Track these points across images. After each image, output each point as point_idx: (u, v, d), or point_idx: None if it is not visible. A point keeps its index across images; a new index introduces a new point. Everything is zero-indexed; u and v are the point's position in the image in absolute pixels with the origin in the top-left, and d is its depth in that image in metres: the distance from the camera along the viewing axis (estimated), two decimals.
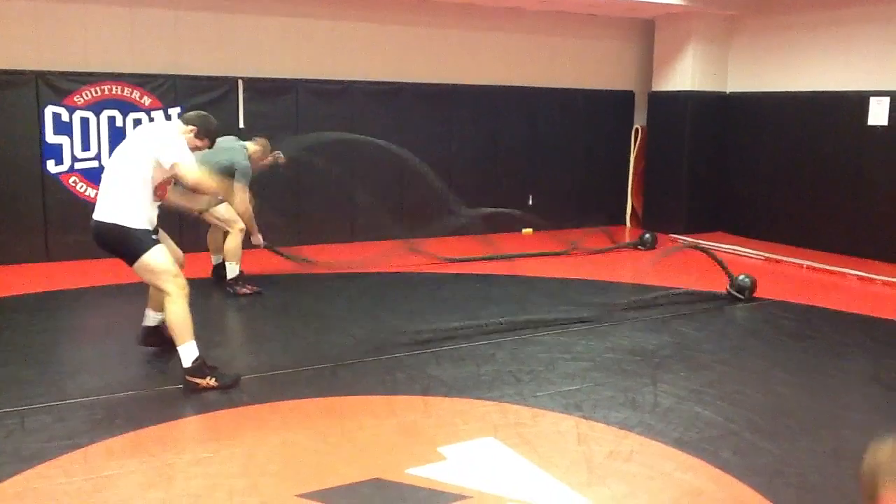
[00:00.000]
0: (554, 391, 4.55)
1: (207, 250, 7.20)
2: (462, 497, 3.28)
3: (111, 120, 8.10)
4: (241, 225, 6.72)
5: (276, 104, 8.85)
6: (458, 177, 9.51)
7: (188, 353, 4.39)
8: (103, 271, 6.90)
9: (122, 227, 4.31)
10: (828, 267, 8.31)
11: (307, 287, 7.22)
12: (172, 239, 4.96)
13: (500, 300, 6.79)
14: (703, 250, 7.39)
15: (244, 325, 6.29)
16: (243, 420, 4.08)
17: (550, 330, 5.80)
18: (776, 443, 3.91)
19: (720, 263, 7.10)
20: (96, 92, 8.00)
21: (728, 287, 6.90)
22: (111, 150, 7.67)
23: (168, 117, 8.18)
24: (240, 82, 8.64)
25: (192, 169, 4.39)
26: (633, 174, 11.34)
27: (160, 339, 4.99)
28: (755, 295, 6.86)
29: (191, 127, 4.62)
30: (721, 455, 3.73)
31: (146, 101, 8.23)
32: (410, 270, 7.83)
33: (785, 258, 8.80)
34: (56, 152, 7.92)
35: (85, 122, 8.00)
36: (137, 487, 3.33)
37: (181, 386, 4.43)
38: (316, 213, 9.17)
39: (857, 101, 8.98)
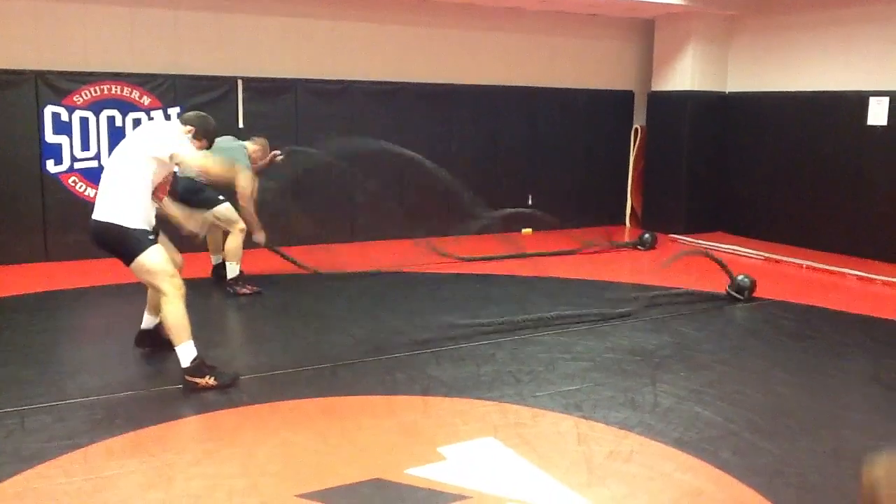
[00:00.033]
0: (554, 391, 4.55)
1: (207, 250, 7.20)
2: (462, 497, 3.28)
3: (111, 120, 8.10)
4: (242, 225, 6.72)
5: (276, 104, 8.85)
6: (458, 177, 9.45)
7: (186, 352, 4.39)
8: (103, 271, 6.90)
9: (120, 226, 4.31)
10: (828, 267, 8.31)
11: (307, 287, 7.22)
12: (172, 238, 4.96)
13: (500, 300, 6.78)
14: (717, 261, 7.29)
15: (244, 325, 6.29)
16: (243, 420, 4.08)
17: (551, 330, 5.80)
18: (776, 443, 3.91)
19: (724, 267, 7.07)
20: (96, 92, 8.00)
21: (728, 288, 6.90)
22: (111, 150, 7.68)
23: (168, 117, 8.18)
24: (239, 82, 8.64)
25: (193, 155, 4.41)
26: (633, 174, 11.34)
27: (155, 342, 5.01)
28: (755, 295, 6.86)
29: (189, 127, 4.63)
30: (721, 455, 3.73)
31: (146, 100, 8.22)
32: (412, 271, 7.83)
33: (785, 258, 8.80)
34: (55, 152, 7.92)
35: (84, 122, 8.00)
36: (137, 488, 3.33)
37: (181, 386, 4.43)
38: (316, 213, 9.15)
39: (857, 101, 8.98)
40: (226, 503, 3.21)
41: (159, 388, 4.50)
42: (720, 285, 6.97)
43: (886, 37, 8.82)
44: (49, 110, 7.83)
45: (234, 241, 6.70)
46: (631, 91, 11.28)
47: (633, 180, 11.34)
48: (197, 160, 4.43)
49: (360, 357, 5.13)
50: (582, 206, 10.80)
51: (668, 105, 10.74)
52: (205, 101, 8.14)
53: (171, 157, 4.33)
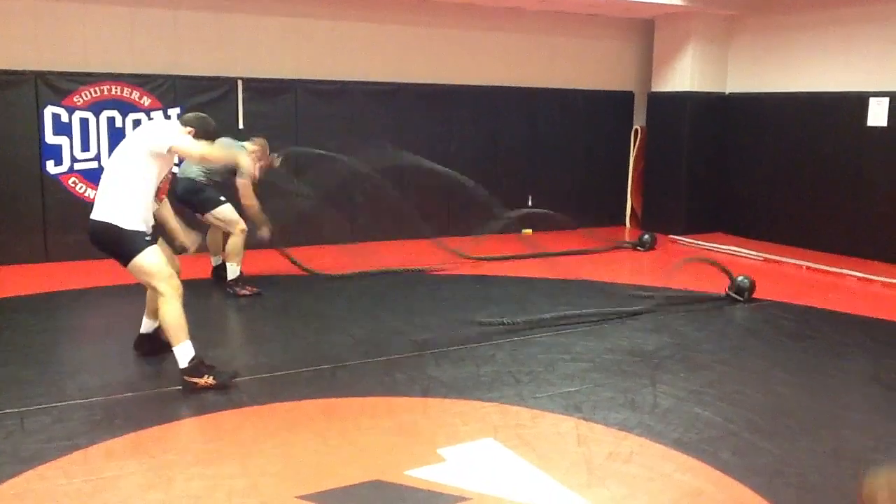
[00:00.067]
0: (553, 392, 4.55)
1: (206, 251, 7.19)
2: (462, 498, 3.28)
3: (111, 120, 8.10)
4: (243, 226, 6.72)
5: (276, 104, 8.85)
6: None
7: (184, 353, 4.39)
8: (103, 272, 6.89)
9: (117, 227, 4.31)
10: (827, 267, 8.30)
11: (307, 287, 7.22)
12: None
13: (500, 300, 6.79)
14: (720, 267, 7.27)
15: (244, 325, 6.29)
16: (243, 420, 4.08)
17: (550, 331, 5.80)
18: (776, 443, 3.91)
19: (725, 271, 7.05)
20: (96, 92, 8.00)
21: (728, 289, 6.89)
22: (111, 151, 7.69)
23: (167, 117, 8.18)
24: (239, 82, 8.64)
25: (193, 145, 4.42)
26: (633, 174, 11.34)
27: (153, 347, 5.01)
28: (754, 296, 6.86)
29: (189, 128, 4.63)
30: (721, 456, 3.73)
31: (146, 101, 8.22)
32: (434, 273, 7.82)
33: (784, 259, 8.80)
34: (55, 153, 7.92)
35: (84, 123, 7.99)
36: (137, 488, 3.33)
37: (180, 387, 4.43)
38: (316, 212, 9.13)
39: (857, 102, 8.98)
40: None
41: (159, 389, 4.50)
42: (720, 286, 6.97)
43: (886, 37, 8.83)
44: (49, 111, 7.83)
45: (235, 242, 6.70)
46: (631, 91, 11.28)
47: (632, 181, 11.34)
48: (196, 149, 4.45)
49: (359, 357, 5.13)
50: (582, 206, 10.78)
51: (667, 105, 10.74)
52: (205, 102, 8.14)
53: (169, 150, 4.34)
